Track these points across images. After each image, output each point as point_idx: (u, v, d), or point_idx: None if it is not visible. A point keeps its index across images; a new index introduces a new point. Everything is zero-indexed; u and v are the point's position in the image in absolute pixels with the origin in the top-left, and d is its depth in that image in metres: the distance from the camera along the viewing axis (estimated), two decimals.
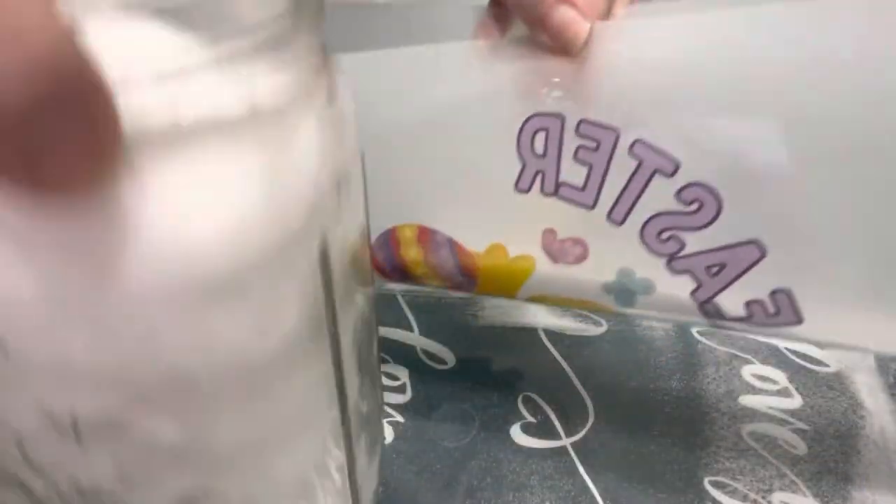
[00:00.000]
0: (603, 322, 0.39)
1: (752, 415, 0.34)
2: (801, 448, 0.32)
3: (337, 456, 0.15)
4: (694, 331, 0.38)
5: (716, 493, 0.31)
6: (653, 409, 0.35)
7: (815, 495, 0.30)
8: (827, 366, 0.35)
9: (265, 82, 0.12)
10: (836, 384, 0.34)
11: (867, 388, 0.34)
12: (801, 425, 0.33)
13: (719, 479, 0.31)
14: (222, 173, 0.12)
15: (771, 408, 0.34)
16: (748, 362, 0.36)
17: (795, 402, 0.34)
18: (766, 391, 0.35)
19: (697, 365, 0.36)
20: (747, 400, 0.34)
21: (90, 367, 0.12)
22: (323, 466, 0.15)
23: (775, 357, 0.36)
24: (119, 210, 0.11)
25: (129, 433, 0.13)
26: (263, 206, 0.12)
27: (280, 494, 0.14)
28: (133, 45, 0.11)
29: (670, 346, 0.38)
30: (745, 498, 0.30)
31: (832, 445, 0.32)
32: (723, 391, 0.35)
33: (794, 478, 0.31)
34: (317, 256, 0.13)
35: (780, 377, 0.35)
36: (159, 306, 0.11)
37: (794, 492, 0.30)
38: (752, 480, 0.31)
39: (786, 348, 0.37)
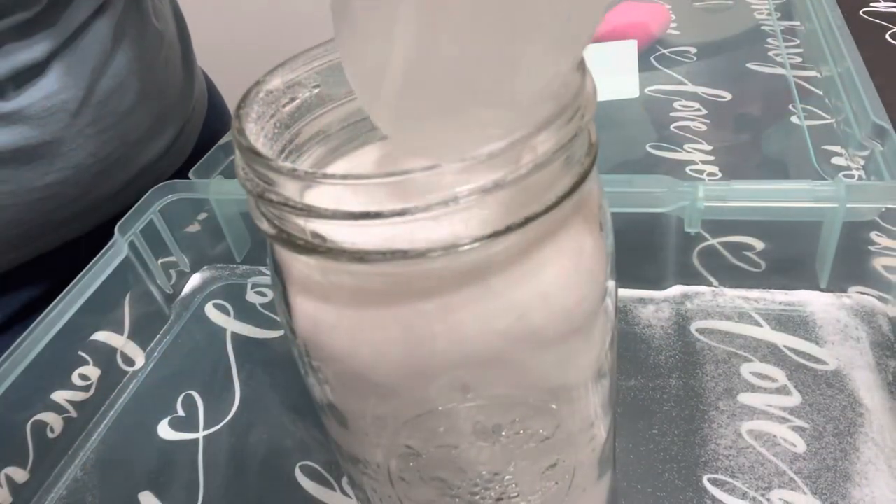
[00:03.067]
0: None
1: (751, 413, 0.34)
2: (800, 446, 0.32)
3: (609, 410, 0.24)
4: (693, 329, 0.38)
5: (715, 491, 0.31)
6: (652, 408, 0.35)
7: (815, 493, 0.30)
8: (826, 364, 0.35)
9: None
10: (835, 382, 0.34)
11: (866, 385, 0.34)
12: (799, 423, 0.33)
13: (718, 476, 0.31)
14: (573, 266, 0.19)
15: (770, 406, 0.34)
16: (747, 360, 0.36)
17: (794, 399, 0.34)
18: (764, 389, 0.35)
19: (696, 363, 0.36)
20: (746, 398, 0.34)
21: (513, 391, 0.20)
22: (607, 402, 0.23)
23: (774, 355, 0.36)
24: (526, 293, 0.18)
25: (525, 425, 0.21)
26: (601, 278, 0.20)
27: (589, 418, 0.22)
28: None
29: (669, 344, 0.38)
30: (744, 496, 0.30)
31: (831, 443, 0.32)
32: (722, 389, 0.35)
33: (793, 476, 0.31)
34: (611, 310, 0.21)
35: (779, 375, 0.35)
36: (549, 339, 0.19)
37: (793, 489, 0.30)
38: (751, 478, 0.31)
39: (785, 346, 0.37)
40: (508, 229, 0.16)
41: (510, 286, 0.17)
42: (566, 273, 0.18)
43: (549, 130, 0.16)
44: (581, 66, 0.18)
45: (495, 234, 0.16)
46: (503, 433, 0.20)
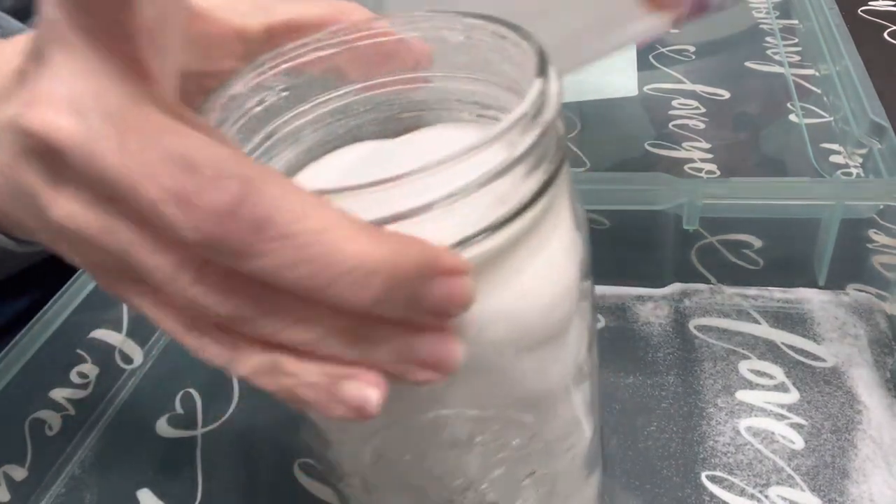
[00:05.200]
0: (601, 318, 0.39)
1: (750, 410, 0.34)
2: (798, 443, 0.32)
3: (592, 411, 0.24)
4: (692, 326, 0.38)
5: (713, 488, 0.31)
6: (650, 405, 0.35)
7: (812, 490, 0.30)
8: (824, 361, 0.35)
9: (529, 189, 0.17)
10: (833, 379, 0.34)
11: (863, 382, 0.34)
12: (798, 420, 0.33)
13: (716, 473, 0.31)
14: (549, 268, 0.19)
15: (768, 403, 0.34)
16: (745, 357, 0.36)
17: (792, 396, 0.34)
18: (763, 386, 0.35)
19: (695, 360, 0.36)
20: (744, 395, 0.34)
21: (487, 399, 0.19)
22: (588, 404, 0.23)
23: (772, 352, 0.36)
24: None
25: (498, 434, 0.20)
26: (572, 285, 0.19)
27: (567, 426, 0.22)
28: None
29: (668, 341, 0.38)
30: (742, 492, 0.30)
31: (829, 440, 0.32)
32: (720, 386, 0.35)
33: (791, 472, 0.31)
34: (588, 310, 0.21)
35: (778, 372, 0.35)
36: (517, 350, 0.18)
37: (791, 486, 0.30)
38: (749, 475, 0.31)
39: (783, 343, 0.37)
40: (482, 233, 0.16)
41: (483, 292, 0.17)
42: (539, 276, 0.18)
43: (514, 132, 0.16)
44: (543, 68, 0.17)
45: (466, 241, 0.16)
46: (477, 441, 0.20)
